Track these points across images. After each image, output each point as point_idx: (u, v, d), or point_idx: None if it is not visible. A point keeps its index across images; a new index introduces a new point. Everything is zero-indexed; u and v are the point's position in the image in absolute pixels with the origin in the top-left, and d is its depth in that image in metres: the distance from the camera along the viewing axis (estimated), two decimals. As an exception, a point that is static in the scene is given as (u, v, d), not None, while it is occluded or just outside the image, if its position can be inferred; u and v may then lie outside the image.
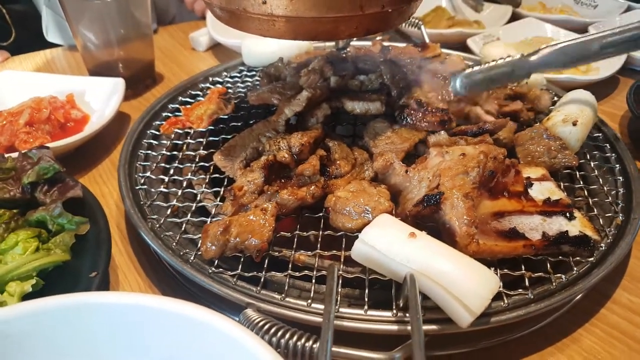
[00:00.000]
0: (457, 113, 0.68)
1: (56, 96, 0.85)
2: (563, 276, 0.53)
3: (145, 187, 0.65)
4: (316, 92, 0.66)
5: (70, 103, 0.85)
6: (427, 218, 0.55)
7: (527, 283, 0.52)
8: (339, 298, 0.48)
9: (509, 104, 0.75)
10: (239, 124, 0.75)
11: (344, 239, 0.55)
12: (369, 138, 0.64)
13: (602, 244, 0.57)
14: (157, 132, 0.76)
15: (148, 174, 0.67)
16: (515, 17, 1.27)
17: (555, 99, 0.82)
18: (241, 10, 0.55)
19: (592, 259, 0.55)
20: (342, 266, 0.52)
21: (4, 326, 0.36)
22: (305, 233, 0.56)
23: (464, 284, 0.45)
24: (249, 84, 0.90)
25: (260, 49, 0.92)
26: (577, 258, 0.55)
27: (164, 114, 0.80)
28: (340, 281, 0.49)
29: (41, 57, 1.17)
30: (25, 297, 0.51)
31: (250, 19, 0.58)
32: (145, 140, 0.74)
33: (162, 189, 0.65)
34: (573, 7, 1.41)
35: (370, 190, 0.56)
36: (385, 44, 0.97)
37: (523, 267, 0.53)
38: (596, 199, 0.65)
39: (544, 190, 0.60)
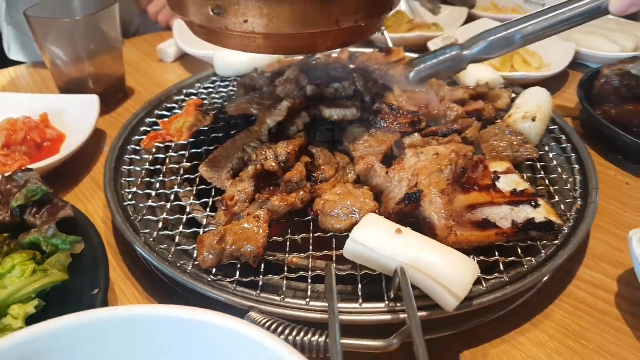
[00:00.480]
0: (426, 115, 0.73)
1: (30, 116, 0.85)
2: (533, 259, 0.58)
3: (133, 202, 0.67)
4: (296, 102, 0.70)
5: (44, 122, 0.86)
6: (409, 214, 0.60)
7: (502, 267, 0.57)
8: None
9: (471, 104, 0.80)
10: (220, 135, 0.77)
11: (334, 240, 0.59)
12: (348, 143, 0.68)
13: (565, 228, 0.63)
14: (138, 147, 0.78)
15: (134, 189, 0.69)
16: (471, 19, 1.33)
17: (514, 95, 0.88)
18: (222, 29, 0.58)
19: (557, 241, 0.61)
20: (334, 265, 0.56)
21: (24, 347, 0.38)
22: (296, 236, 0.60)
23: (448, 273, 0.49)
24: (224, 94, 0.92)
25: (233, 60, 0.95)
26: (544, 242, 0.60)
27: (142, 129, 0.81)
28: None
29: (5, 76, 1.15)
30: (29, 318, 0.53)
31: (231, 36, 0.61)
32: (127, 157, 0.75)
33: (150, 203, 0.67)
34: (523, 6, 1.50)
35: (356, 192, 0.60)
36: (351, 49, 1.01)
37: (497, 253, 0.58)
38: (557, 187, 0.71)
39: (510, 182, 0.66)
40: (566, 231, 0.62)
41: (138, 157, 0.76)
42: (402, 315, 0.51)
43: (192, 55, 1.16)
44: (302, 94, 0.74)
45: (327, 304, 0.48)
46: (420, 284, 0.51)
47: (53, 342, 0.38)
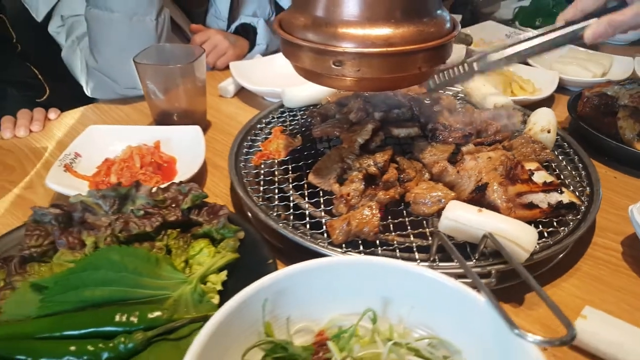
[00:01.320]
0: (471, 130, 0.97)
1: (146, 143, 1.05)
2: (565, 228, 0.82)
3: (264, 203, 0.88)
4: (376, 124, 0.93)
5: (157, 148, 1.06)
6: (477, 201, 0.83)
7: (545, 235, 0.81)
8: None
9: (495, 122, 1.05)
10: (312, 152, 0.99)
11: (424, 221, 0.82)
12: (417, 153, 0.92)
13: (582, 207, 0.87)
14: (247, 164, 0.99)
15: (260, 194, 0.90)
16: (468, 54, 1.60)
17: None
18: (339, 75, 0.80)
19: (579, 216, 0.85)
20: (429, 238, 0.79)
21: (277, 286, 0.58)
22: (396, 220, 0.82)
23: (520, 235, 0.72)
24: (296, 121, 1.15)
25: (300, 94, 1.18)
26: (570, 217, 0.85)
27: (244, 150, 1.03)
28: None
29: (89, 111, 1.34)
30: (223, 283, 0.72)
31: (328, 77, 0.83)
32: (244, 171, 0.96)
33: (277, 203, 0.88)
34: (506, 41, 1.79)
35: (437, 186, 0.83)
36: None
37: (540, 226, 0.82)
38: (569, 180, 0.96)
39: (541, 176, 0.90)
40: (583, 209, 0.87)
41: (254, 172, 0.96)
42: (488, 268, 0.74)
43: (250, 90, 1.37)
44: (376, 119, 0.97)
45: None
46: (499, 245, 0.74)
47: (294, 280, 0.58)
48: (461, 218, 0.75)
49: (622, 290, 0.78)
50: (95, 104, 1.39)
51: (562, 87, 1.42)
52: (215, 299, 0.70)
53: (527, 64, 1.51)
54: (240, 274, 0.75)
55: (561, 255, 0.83)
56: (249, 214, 0.91)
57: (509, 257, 0.69)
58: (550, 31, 1.02)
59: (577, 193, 0.91)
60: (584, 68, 1.48)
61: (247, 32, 1.68)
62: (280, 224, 0.82)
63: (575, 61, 1.51)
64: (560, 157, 1.02)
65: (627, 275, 0.81)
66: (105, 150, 1.06)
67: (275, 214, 0.85)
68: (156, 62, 1.19)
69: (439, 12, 0.81)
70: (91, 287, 0.66)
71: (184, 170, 1.00)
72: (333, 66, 0.78)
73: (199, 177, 1.02)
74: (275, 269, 0.72)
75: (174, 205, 0.82)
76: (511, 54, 1.03)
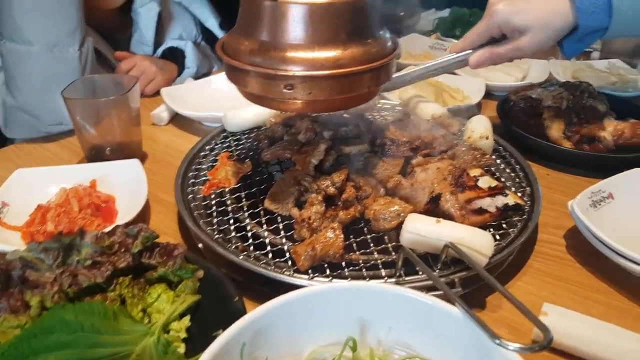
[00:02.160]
0: (418, 143, 1.00)
1: (81, 183, 0.99)
2: (514, 229, 0.87)
3: (221, 235, 0.85)
4: (328, 144, 0.93)
5: (93, 188, 1.00)
6: (431, 212, 0.85)
7: (497, 238, 0.84)
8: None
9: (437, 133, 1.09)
10: (264, 177, 0.98)
11: (385, 237, 0.83)
12: (370, 169, 0.93)
13: (526, 207, 0.92)
14: (197, 196, 0.96)
15: (214, 227, 0.87)
16: (399, 68, 1.64)
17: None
18: (292, 99, 0.79)
19: (524, 216, 0.90)
20: (392, 253, 0.80)
21: (254, 326, 0.56)
22: (358, 239, 0.83)
23: (478, 241, 0.75)
24: (242, 145, 1.13)
25: (242, 118, 1.16)
26: (516, 217, 0.89)
27: (190, 182, 0.99)
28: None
29: (10, 153, 1.25)
30: (187, 330, 0.69)
31: (280, 101, 0.83)
32: (193, 204, 0.93)
33: (234, 234, 0.85)
34: (430, 52, 1.87)
35: (395, 201, 0.84)
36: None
37: (491, 229, 0.86)
38: (510, 182, 1.01)
39: (485, 181, 0.93)
40: (527, 209, 0.92)
41: (204, 203, 0.94)
42: (451, 277, 0.76)
43: (186, 116, 1.34)
44: (327, 138, 0.97)
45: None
46: (460, 253, 0.76)
47: (270, 317, 0.57)
48: (422, 230, 0.77)
49: (571, 282, 0.83)
50: (17, 144, 1.30)
51: (488, 93, 1.50)
52: (181, 348, 0.67)
53: (453, 73, 1.58)
54: (204, 316, 0.71)
55: (512, 255, 0.87)
56: (204, 250, 0.87)
57: (473, 264, 0.71)
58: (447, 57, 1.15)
59: (519, 194, 0.96)
60: (507, 73, 1.57)
61: (175, 56, 1.64)
62: (241, 257, 0.80)
63: (497, 67, 1.60)
64: (498, 161, 1.08)
65: (573, 267, 0.87)
66: (35, 195, 0.98)
67: (233, 246, 0.83)
68: (85, 95, 1.13)
69: (381, 32, 0.84)
70: (44, 354, 0.59)
71: (126, 209, 0.95)
72: (284, 90, 0.77)
73: (142, 215, 0.97)
74: (242, 306, 0.70)
75: (123, 250, 0.76)
76: (407, 73, 1.17)
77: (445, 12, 2.20)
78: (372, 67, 0.79)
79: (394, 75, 1.08)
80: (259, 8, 0.78)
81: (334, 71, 0.76)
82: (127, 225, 0.81)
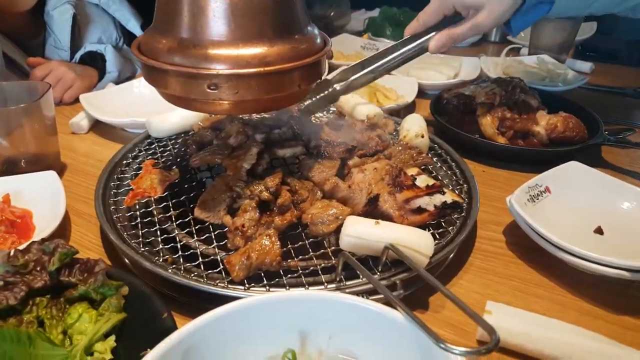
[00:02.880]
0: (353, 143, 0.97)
1: (-8, 199, 0.89)
2: (453, 227, 0.85)
3: (147, 248, 0.78)
4: (260, 147, 0.88)
5: (6, 203, 0.90)
6: (370, 213, 0.82)
7: (437, 236, 0.83)
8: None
9: (374, 132, 1.07)
10: (193, 184, 0.91)
11: (324, 241, 0.79)
12: (306, 172, 0.89)
13: (464, 204, 0.91)
14: (119, 207, 0.88)
15: (140, 239, 0.80)
16: (331, 68, 1.62)
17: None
18: (216, 99, 0.74)
19: (463, 213, 0.89)
20: (332, 257, 0.76)
21: (184, 342, 0.51)
22: (296, 245, 0.78)
23: (419, 242, 0.73)
24: (168, 152, 1.06)
25: (166, 123, 1.09)
26: (455, 215, 0.88)
27: (112, 192, 0.92)
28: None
29: None
30: (112, 351, 0.62)
31: (204, 102, 0.78)
32: (115, 216, 0.85)
33: (161, 246, 0.79)
34: (362, 52, 1.86)
35: (332, 204, 0.81)
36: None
37: (430, 228, 0.84)
38: (447, 180, 1.00)
39: (422, 180, 0.92)
40: (465, 206, 0.91)
41: (127, 215, 0.86)
42: (393, 279, 0.73)
43: (107, 123, 1.25)
44: (259, 141, 0.92)
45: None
46: (400, 254, 0.73)
47: (202, 334, 0.52)
48: (361, 233, 0.73)
49: (514, 279, 0.82)
50: None
51: (421, 92, 1.50)
52: (107, 370, 0.61)
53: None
54: (131, 335, 0.66)
55: (453, 253, 0.85)
56: (130, 264, 0.80)
57: (413, 265, 0.69)
58: (399, 46, 1.11)
59: (456, 191, 0.95)
60: (439, 72, 1.58)
61: (95, 61, 1.53)
62: (170, 270, 0.73)
63: (429, 66, 1.61)
64: (434, 159, 1.06)
65: (515, 263, 0.86)
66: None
67: (161, 259, 0.76)
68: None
69: (309, 28, 0.80)
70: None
71: (43, 225, 0.87)
72: (208, 90, 0.72)
73: (62, 230, 0.88)
74: (173, 322, 0.65)
75: (39, 269, 0.69)
76: (369, 70, 1.11)
77: (376, 12, 2.20)
78: (302, 65, 0.75)
79: (354, 77, 1.09)
80: (175, 2, 0.72)
81: (261, 69, 0.71)
82: (43, 241, 0.73)
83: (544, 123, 1.19)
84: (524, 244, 0.88)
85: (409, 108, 1.43)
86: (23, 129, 1.00)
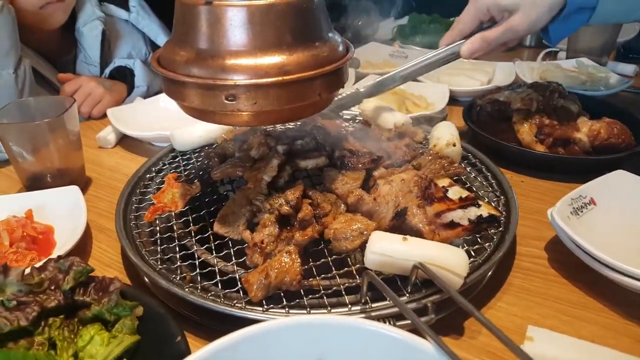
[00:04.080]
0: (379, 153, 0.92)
1: (15, 215, 0.89)
2: (490, 243, 0.79)
3: (165, 265, 0.76)
4: (281, 159, 0.85)
5: (29, 218, 0.89)
6: (398, 228, 0.77)
7: (472, 254, 0.77)
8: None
9: (402, 141, 1.02)
10: (214, 197, 0.89)
11: (348, 258, 0.75)
12: (329, 184, 0.85)
13: (502, 218, 0.85)
14: (139, 222, 0.86)
15: (158, 256, 0.78)
16: (358, 77, 1.58)
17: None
18: (234, 110, 0.71)
19: (501, 228, 0.82)
20: (357, 276, 0.72)
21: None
22: (318, 262, 0.74)
23: (452, 260, 0.67)
24: (191, 165, 1.03)
25: (190, 136, 1.07)
26: (492, 230, 0.82)
27: (134, 207, 0.90)
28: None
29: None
30: (122, 377, 0.60)
31: (222, 114, 0.75)
32: (135, 232, 0.83)
33: (179, 264, 0.76)
34: (390, 60, 1.81)
35: (356, 218, 0.76)
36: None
37: (465, 245, 0.78)
38: (482, 191, 0.94)
39: (455, 192, 0.87)
40: (503, 220, 0.84)
41: (147, 230, 0.84)
42: (423, 301, 0.68)
43: (134, 137, 1.24)
44: (280, 153, 0.89)
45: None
46: (431, 274, 0.68)
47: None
48: (387, 250, 0.68)
49: (558, 300, 0.75)
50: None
51: (453, 99, 1.44)
52: (117, 396, 0.58)
53: (416, 80, 1.52)
54: (143, 358, 0.63)
55: (490, 272, 0.79)
56: (148, 282, 0.78)
57: (445, 287, 0.63)
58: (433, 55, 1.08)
59: (493, 204, 0.89)
60: (471, 77, 1.52)
61: (124, 76, 1.54)
62: (186, 289, 0.70)
63: (461, 72, 1.56)
64: (468, 169, 1.01)
65: (559, 282, 0.79)
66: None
67: (178, 277, 0.73)
68: (19, 119, 1.03)
69: (330, 34, 0.76)
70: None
71: (64, 240, 0.85)
72: (226, 101, 0.69)
73: (83, 246, 0.87)
74: (186, 346, 0.61)
75: (53, 288, 0.67)
76: (394, 74, 1.09)
77: (405, 20, 2.15)
78: (322, 73, 0.71)
79: (380, 78, 1.08)
80: (192, 13, 0.70)
81: (280, 78, 0.68)
82: (59, 258, 0.71)
83: (585, 129, 1.11)
84: (569, 261, 0.80)
85: (440, 116, 1.37)
86: (47, 144, 1.00)
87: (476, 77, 1.52)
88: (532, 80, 1.51)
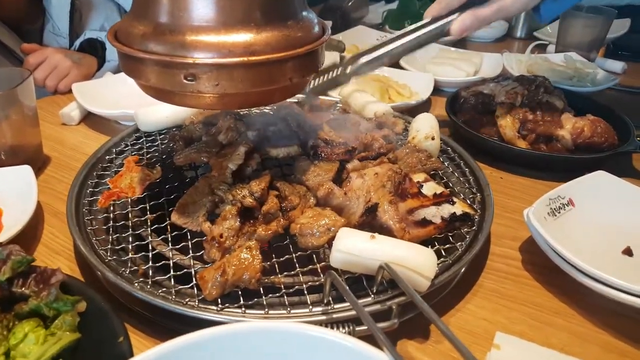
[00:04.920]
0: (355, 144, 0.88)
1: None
2: (462, 243, 0.75)
3: (114, 257, 0.70)
4: (250, 146, 0.80)
5: (-25, 200, 0.83)
6: (368, 224, 0.73)
7: (443, 253, 0.73)
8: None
9: (380, 132, 0.97)
10: (175, 184, 0.83)
11: (314, 255, 0.70)
12: (300, 175, 0.80)
13: (476, 216, 0.81)
14: (93, 208, 0.81)
15: (109, 246, 0.72)
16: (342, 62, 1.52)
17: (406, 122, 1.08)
18: (194, 92, 0.66)
19: (474, 227, 0.79)
20: (321, 275, 0.67)
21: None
22: (282, 259, 0.69)
23: (419, 261, 0.63)
24: (156, 148, 0.98)
25: (156, 116, 1.01)
26: (465, 229, 0.78)
27: (88, 191, 0.84)
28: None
29: None
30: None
31: (182, 95, 0.69)
32: (87, 218, 0.78)
33: (131, 255, 0.71)
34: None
35: (324, 213, 0.71)
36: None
37: (436, 243, 0.74)
38: (458, 187, 0.90)
39: (430, 188, 0.82)
40: (477, 219, 0.81)
41: (100, 217, 0.78)
42: (388, 303, 0.64)
43: (99, 115, 1.17)
44: (250, 139, 0.84)
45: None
46: (397, 274, 0.64)
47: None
48: (353, 249, 0.64)
49: (529, 304, 0.72)
50: None
51: (437, 89, 1.40)
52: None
53: (401, 67, 1.47)
54: (90, 357, 0.58)
55: (459, 274, 0.76)
56: (99, 275, 0.72)
57: (408, 290, 0.59)
58: (418, 28, 1.01)
59: (468, 201, 0.85)
60: (457, 68, 1.48)
61: (95, 49, 1.46)
62: (136, 284, 0.65)
63: (447, 61, 1.51)
64: (446, 164, 0.96)
65: (531, 286, 0.76)
66: None
67: (128, 270, 0.68)
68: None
69: (304, 13, 0.71)
70: None
71: (11, 224, 0.80)
72: (185, 81, 0.64)
73: (33, 231, 0.81)
74: (128, 348, 0.57)
75: (-12, 278, 0.62)
76: (382, 53, 1.00)
77: (394, 4, 2.09)
78: (294, 55, 0.66)
79: (365, 59, 0.99)
80: (153, -19, 0.64)
81: (245, 59, 0.63)
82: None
83: (569, 127, 1.08)
84: (543, 264, 0.77)
85: (424, 106, 1.33)
86: (0, 120, 0.93)
87: (463, 68, 1.48)
88: (520, 72, 1.47)
